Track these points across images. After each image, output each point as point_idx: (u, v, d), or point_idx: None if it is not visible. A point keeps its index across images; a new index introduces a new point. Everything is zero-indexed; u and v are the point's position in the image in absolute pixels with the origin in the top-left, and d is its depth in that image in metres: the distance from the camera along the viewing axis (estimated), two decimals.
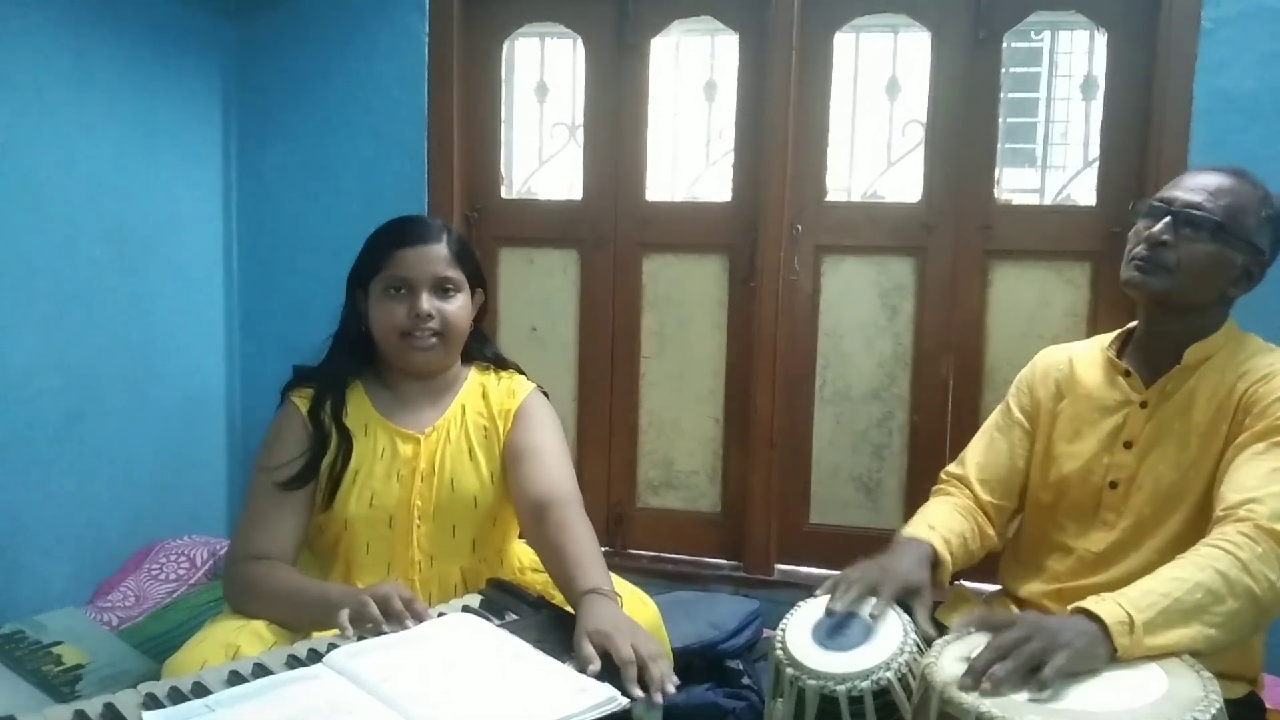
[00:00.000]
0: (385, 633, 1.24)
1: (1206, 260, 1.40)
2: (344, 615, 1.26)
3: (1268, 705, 1.46)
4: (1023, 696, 1.07)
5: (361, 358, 1.61)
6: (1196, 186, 1.42)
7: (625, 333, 2.54)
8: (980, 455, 1.62)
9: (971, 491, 1.59)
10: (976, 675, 1.10)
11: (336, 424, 1.53)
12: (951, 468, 1.66)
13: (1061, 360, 1.60)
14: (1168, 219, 1.42)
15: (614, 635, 1.18)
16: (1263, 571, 1.19)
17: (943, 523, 1.51)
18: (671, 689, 1.14)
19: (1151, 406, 1.46)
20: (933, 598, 1.40)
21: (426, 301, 1.52)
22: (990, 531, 1.58)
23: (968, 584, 2.20)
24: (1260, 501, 1.25)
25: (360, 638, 1.24)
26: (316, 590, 1.39)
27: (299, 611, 1.36)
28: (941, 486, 1.64)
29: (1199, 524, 1.38)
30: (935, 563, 1.44)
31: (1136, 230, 1.47)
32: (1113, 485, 1.48)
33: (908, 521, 1.58)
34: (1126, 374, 1.50)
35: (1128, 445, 1.47)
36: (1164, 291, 1.43)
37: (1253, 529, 1.22)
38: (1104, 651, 1.12)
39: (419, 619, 1.28)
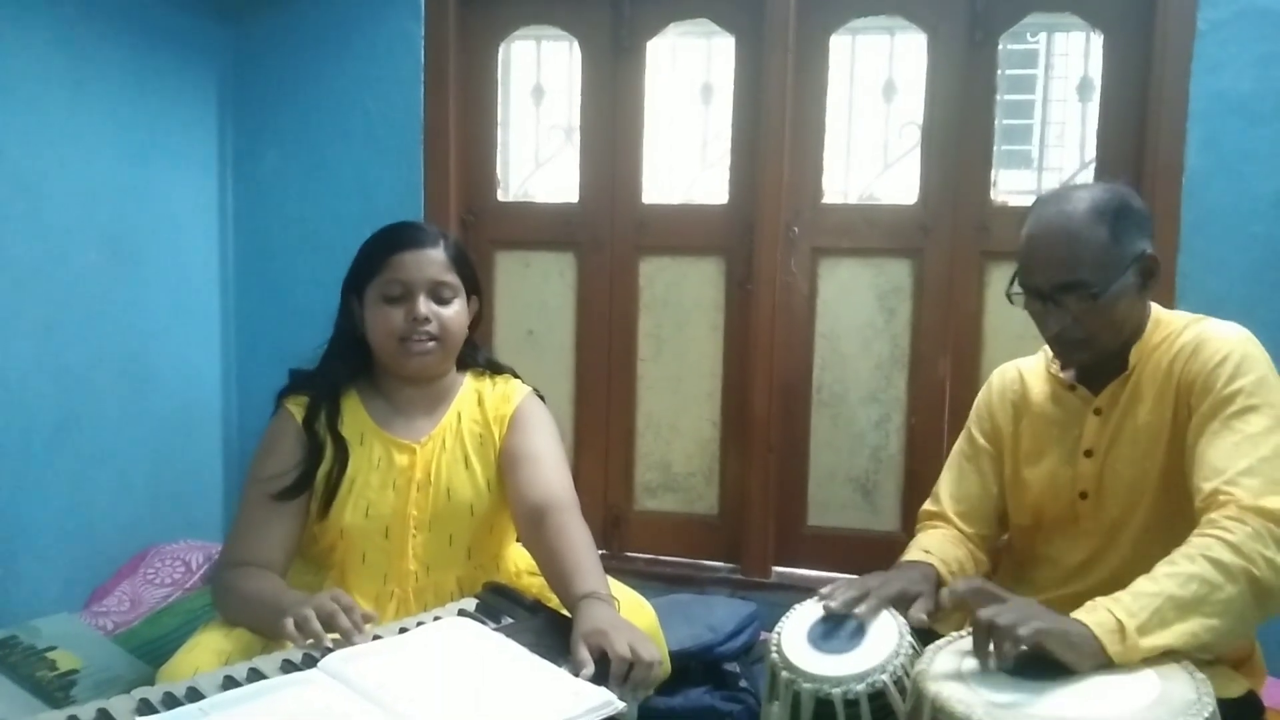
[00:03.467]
0: (330, 649, 1.20)
1: (1105, 313, 1.38)
2: (289, 626, 1.23)
3: (1267, 705, 1.45)
4: (1017, 703, 1.07)
5: (356, 365, 1.60)
6: (1049, 263, 1.38)
7: (622, 336, 2.54)
8: (953, 488, 1.59)
9: (953, 525, 1.57)
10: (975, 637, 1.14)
11: (332, 434, 1.52)
12: (928, 505, 1.63)
13: (1014, 379, 1.58)
14: (1049, 304, 1.39)
15: (611, 634, 1.18)
16: (1256, 550, 1.18)
17: (938, 548, 1.50)
18: (641, 696, 1.15)
19: (1105, 413, 1.45)
20: (935, 609, 1.38)
21: (423, 305, 1.51)
22: (983, 556, 1.57)
23: None
24: (1234, 482, 1.24)
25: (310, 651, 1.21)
26: (272, 597, 1.36)
27: (260, 617, 1.34)
28: (923, 525, 1.62)
29: (1162, 512, 1.38)
30: (939, 584, 1.43)
31: (1030, 312, 1.44)
32: (1083, 496, 1.47)
33: (905, 524, 1.58)
34: (1072, 388, 1.49)
35: (1088, 454, 1.46)
36: (1094, 357, 1.43)
37: (1236, 510, 1.21)
38: (1093, 652, 1.11)
39: (358, 626, 1.24)
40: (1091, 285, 1.35)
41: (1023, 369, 1.59)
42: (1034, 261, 1.40)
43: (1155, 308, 1.46)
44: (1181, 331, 1.41)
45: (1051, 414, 1.51)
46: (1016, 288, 1.44)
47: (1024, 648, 1.13)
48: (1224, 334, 1.37)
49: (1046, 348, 1.55)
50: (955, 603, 1.26)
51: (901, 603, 1.36)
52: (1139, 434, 1.41)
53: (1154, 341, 1.43)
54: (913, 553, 1.50)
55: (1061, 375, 1.50)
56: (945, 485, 1.61)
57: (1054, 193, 1.45)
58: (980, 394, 1.63)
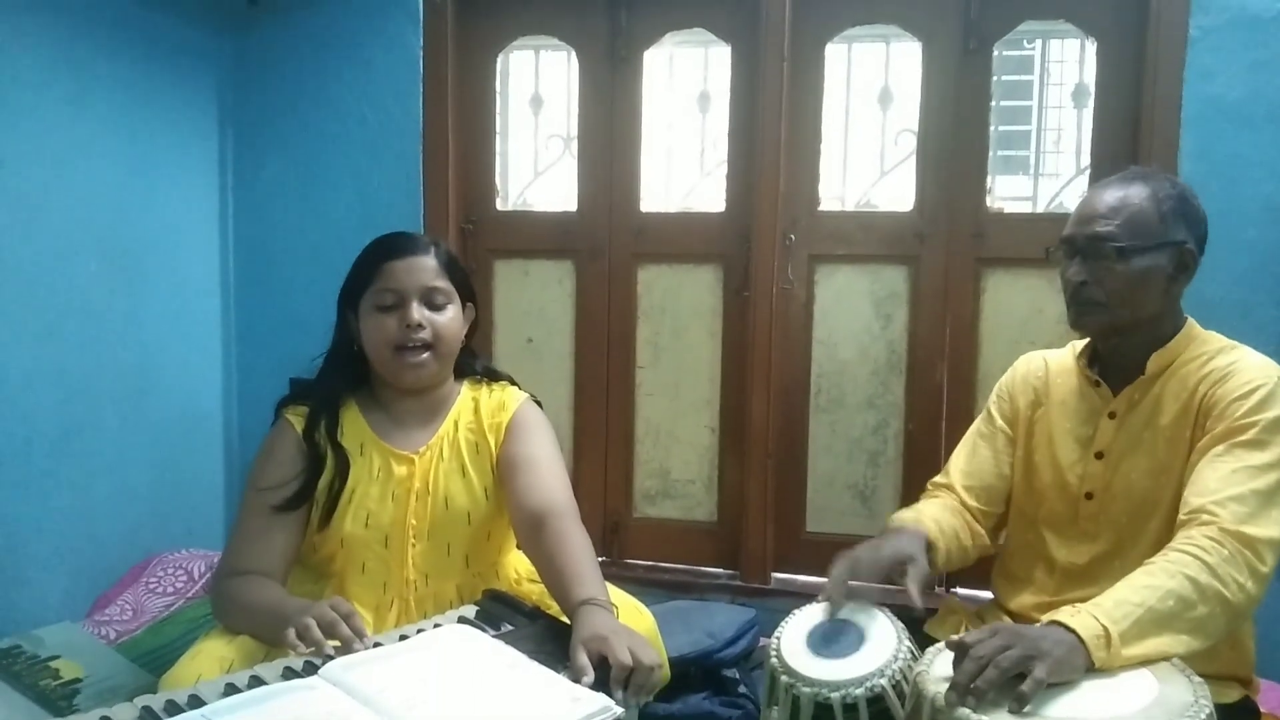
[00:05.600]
0: (331, 655, 1.21)
1: (1130, 280, 1.40)
2: (291, 635, 1.24)
3: (1263, 710, 1.46)
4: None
5: (354, 378, 1.60)
6: (1091, 215, 1.43)
7: (621, 343, 2.55)
8: (964, 463, 1.62)
9: (958, 497, 1.60)
10: (962, 689, 1.10)
11: (333, 444, 1.53)
12: (937, 478, 1.66)
13: (1039, 367, 1.61)
14: (1078, 258, 1.43)
15: (611, 639, 1.19)
16: (1230, 574, 1.20)
17: (930, 514, 1.52)
18: (641, 700, 1.16)
19: (1119, 417, 1.47)
20: (927, 572, 1.39)
21: (416, 311, 1.51)
22: (980, 530, 1.58)
23: (960, 591, 2.22)
24: (1222, 504, 1.26)
25: (311, 659, 1.22)
26: (274, 605, 1.36)
27: (263, 626, 1.35)
28: (927, 494, 1.65)
29: (1176, 529, 1.38)
30: (928, 546, 1.44)
31: (1061, 273, 1.48)
32: (1088, 496, 1.48)
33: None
34: (1096, 384, 1.51)
35: (1099, 456, 1.48)
36: (1105, 325, 1.44)
37: (1218, 532, 1.23)
38: (1082, 663, 1.13)
39: (359, 635, 1.25)
40: (1121, 239, 1.39)
41: (1049, 358, 1.62)
42: (1079, 213, 1.45)
43: (1191, 323, 1.48)
44: (1215, 355, 1.42)
45: (1071, 406, 1.53)
46: (1056, 247, 1.48)
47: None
48: (1258, 366, 1.39)
49: (1075, 342, 1.57)
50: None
51: (895, 564, 1.38)
52: (1158, 445, 1.42)
53: (1184, 356, 1.44)
54: (902, 516, 1.52)
55: (1088, 371, 1.52)
56: (957, 460, 1.64)
57: (1125, 171, 1.49)
58: (1004, 376, 1.66)
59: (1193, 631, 1.18)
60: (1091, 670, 1.13)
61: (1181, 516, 1.29)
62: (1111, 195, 1.42)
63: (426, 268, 1.54)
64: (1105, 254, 1.40)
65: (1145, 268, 1.40)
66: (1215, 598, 1.19)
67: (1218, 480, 1.29)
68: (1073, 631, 1.14)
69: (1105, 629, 1.14)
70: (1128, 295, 1.41)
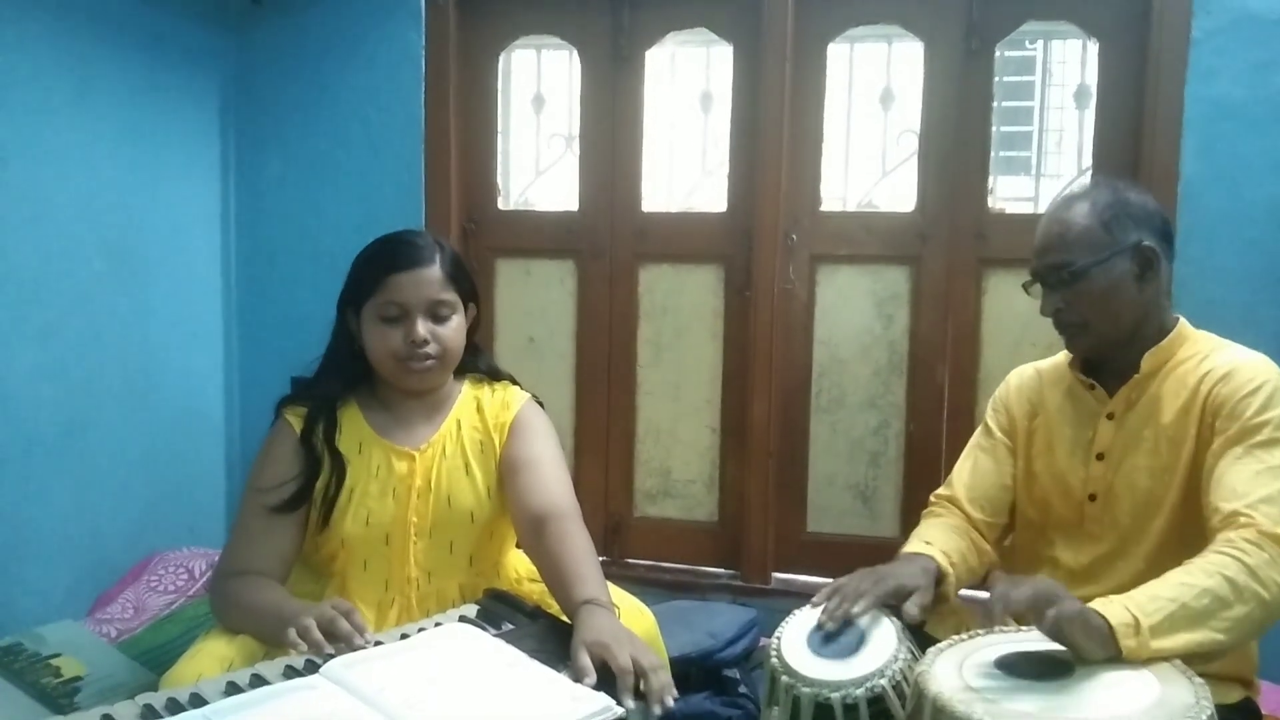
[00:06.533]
0: (333, 655, 1.21)
1: (1098, 296, 1.42)
2: (292, 634, 1.24)
3: (1264, 711, 1.46)
4: (1017, 705, 1.08)
5: (353, 377, 1.59)
6: (1043, 248, 1.47)
7: (622, 343, 2.55)
8: (967, 475, 1.62)
9: (962, 511, 1.59)
10: (989, 610, 1.17)
11: (330, 448, 1.52)
12: (940, 490, 1.66)
13: (1031, 378, 1.62)
14: (1046, 289, 1.47)
15: (612, 645, 1.18)
16: (1271, 577, 1.21)
17: (939, 539, 1.51)
18: (670, 701, 1.14)
19: (1118, 417, 1.48)
20: (931, 602, 1.39)
21: (422, 327, 1.50)
22: (986, 547, 1.58)
23: (963, 592, 2.21)
24: (1254, 507, 1.26)
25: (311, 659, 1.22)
26: (274, 606, 1.36)
27: (263, 626, 1.35)
28: (931, 509, 1.64)
29: (1181, 528, 1.40)
30: (939, 577, 1.44)
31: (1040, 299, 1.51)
32: (1091, 498, 1.49)
33: (904, 530, 1.59)
34: (1091, 387, 1.51)
35: (1100, 457, 1.49)
36: (1096, 344, 1.47)
37: (1257, 535, 1.24)
38: (1104, 643, 1.14)
39: (360, 632, 1.25)
40: (1072, 264, 1.42)
41: (1041, 369, 1.63)
42: (1036, 245, 1.49)
43: (1183, 323, 1.49)
44: (1210, 353, 1.44)
45: (1067, 412, 1.54)
46: (1031, 279, 1.52)
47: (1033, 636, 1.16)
48: (1258, 364, 1.41)
49: (1066, 351, 1.58)
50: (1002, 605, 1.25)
51: (897, 598, 1.37)
52: (1159, 444, 1.43)
53: (1179, 355, 1.45)
54: (913, 544, 1.51)
55: (1081, 375, 1.53)
56: (960, 472, 1.64)
57: (1066, 193, 1.53)
58: (998, 390, 1.67)
59: (1227, 630, 1.19)
60: (1118, 659, 1.14)
61: (1214, 523, 1.30)
62: (1055, 224, 1.46)
63: (432, 280, 1.51)
64: (1065, 280, 1.43)
65: (1109, 281, 1.42)
66: (1253, 598, 1.20)
67: (1244, 483, 1.30)
68: (1102, 618, 1.15)
69: (1135, 618, 1.15)
70: (1102, 310, 1.43)
